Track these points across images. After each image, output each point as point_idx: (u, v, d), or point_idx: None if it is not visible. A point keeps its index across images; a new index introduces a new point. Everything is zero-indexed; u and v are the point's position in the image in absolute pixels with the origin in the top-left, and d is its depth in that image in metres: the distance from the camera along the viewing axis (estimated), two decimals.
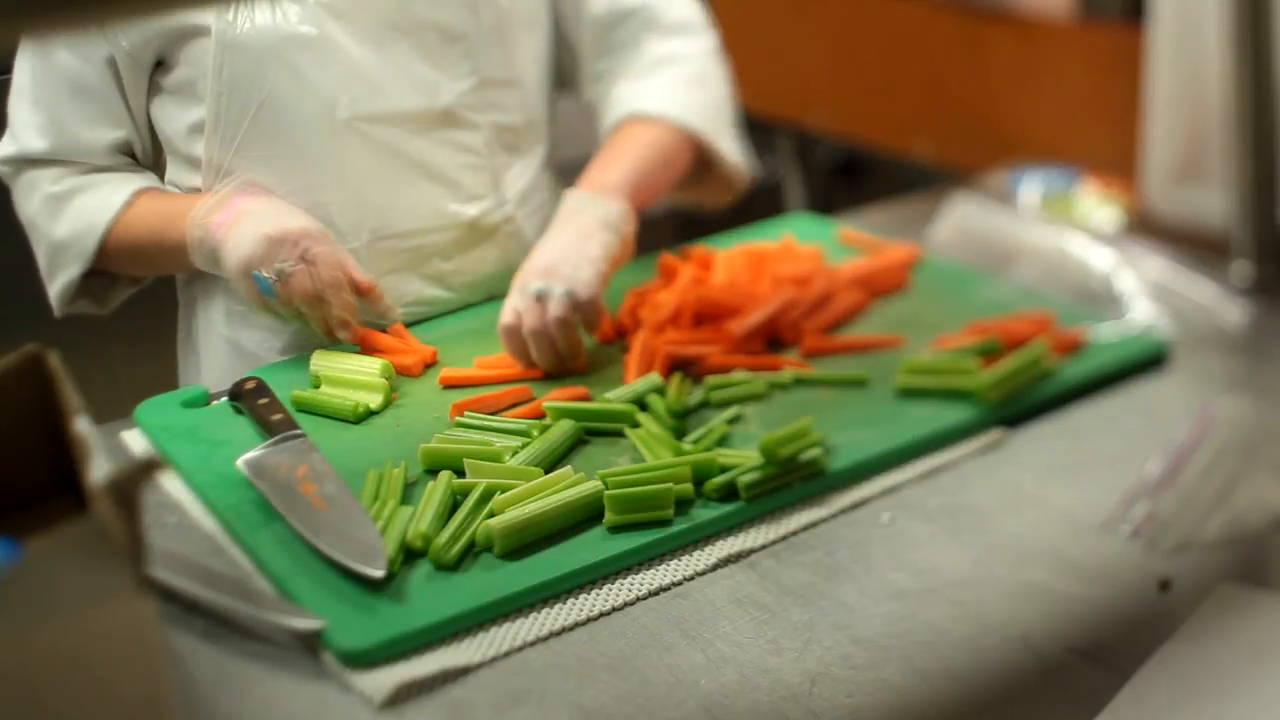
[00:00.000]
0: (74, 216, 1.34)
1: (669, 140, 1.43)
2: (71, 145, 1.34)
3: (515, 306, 1.28)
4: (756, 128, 3.06)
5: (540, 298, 1.27)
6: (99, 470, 0.77)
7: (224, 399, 1.25)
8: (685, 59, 1.49)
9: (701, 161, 1.48)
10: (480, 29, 1.36)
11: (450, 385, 1.27)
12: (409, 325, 1.37)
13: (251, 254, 1.24)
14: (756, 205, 1.48)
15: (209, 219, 1.28)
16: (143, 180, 1.36)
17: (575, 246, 1.30)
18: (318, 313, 1.27)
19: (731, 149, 1.50)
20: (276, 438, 1.16)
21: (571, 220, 1.33)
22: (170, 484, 1.15)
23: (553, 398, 1.23)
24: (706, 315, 1.36)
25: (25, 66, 1.33)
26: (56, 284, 1.37)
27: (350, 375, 1.25)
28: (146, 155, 1.40)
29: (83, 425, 0.83)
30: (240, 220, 1.27)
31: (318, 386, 1.26)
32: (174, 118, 1.34)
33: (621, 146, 1.42)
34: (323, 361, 1.27)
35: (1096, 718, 0.91)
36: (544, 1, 1.45)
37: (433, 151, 1.36)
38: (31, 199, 1.36)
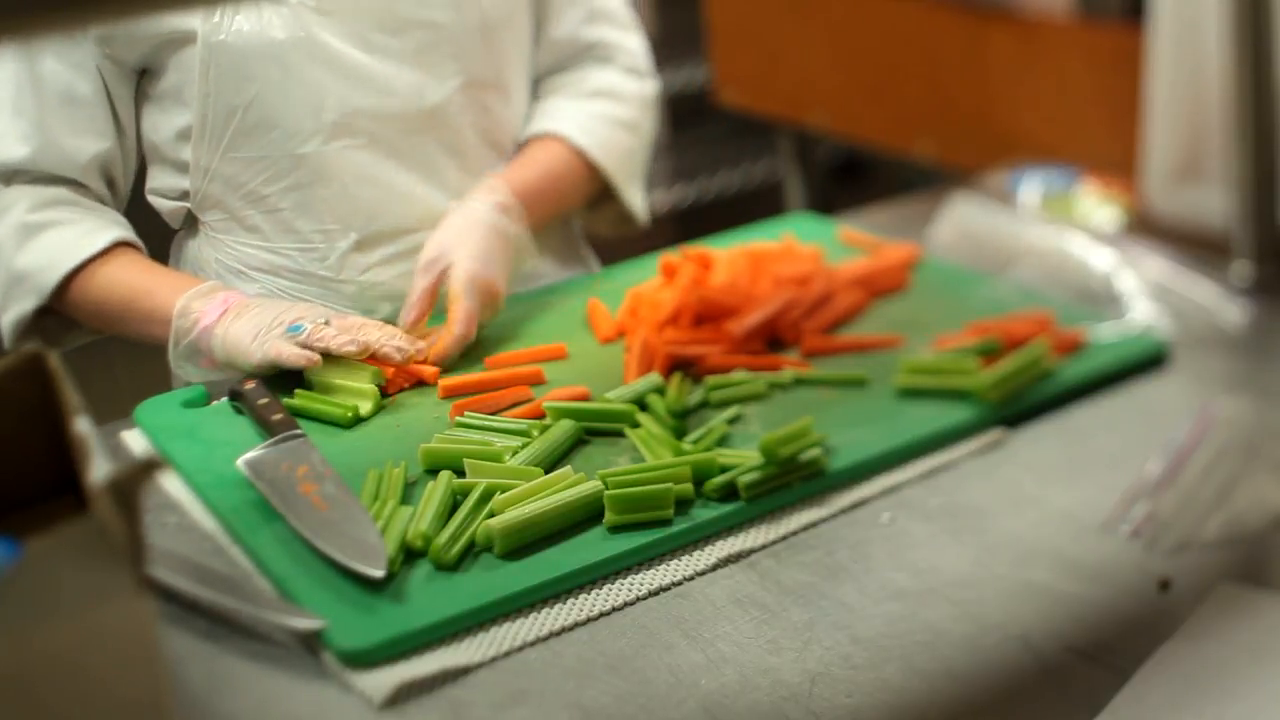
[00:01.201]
0: (42, 249, 1.31)
1: (576, 168, 1.46)
2: (54, 154, 1.32)
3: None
4: (756, 128, 3.07)
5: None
6: (99, 470, 0.77)
7: (224, 399, 1.25)
8: (623, 99, 1.51)
9: (603, 194, 1.52)
10: (465, 30, 1.37)
11: (451, 395, 1.26)
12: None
13: (262, 330, 1.24)
14: (756, 205, 1.49)
15: (193, 305, 1.27)
16: (121, 230, 1.34)
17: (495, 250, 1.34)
18: (365, 340, 1.24)
19: (635, 196, 1.53)
20: (276, 438, 1.16)
21: (479, 222, 1.35)
22: (170, 484, 1.15)
23: (553, 398, 1.23)
24: (706, 315, 1.36)
25: (1, 77, 1.31)
26: (9, 316, 1.33)
27: (341, 381, 1.25)
28: (125, 175, 1.38)
29: (83, 425, 0.83)
30: (240, 312, 1.26)
31: (310, 390, 1.26)
32: (160, 125, 1.35)
33: (532, 159, 1.44)
34: (316, 366, 1.27)
35: (1096, 718, 0.91)
36: (526, 8, 1.45)
37: (420, 151, 1.37)
38: (2, 223, 1.32)
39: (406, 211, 1.37)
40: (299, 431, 1.17)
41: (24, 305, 1.32)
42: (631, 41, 1.54)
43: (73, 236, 1.32)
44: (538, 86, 1.52)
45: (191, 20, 1.28)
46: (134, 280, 1.32)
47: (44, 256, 1.31)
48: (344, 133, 1.33)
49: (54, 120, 1.31)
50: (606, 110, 1.49)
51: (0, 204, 1.33)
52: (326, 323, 1.25)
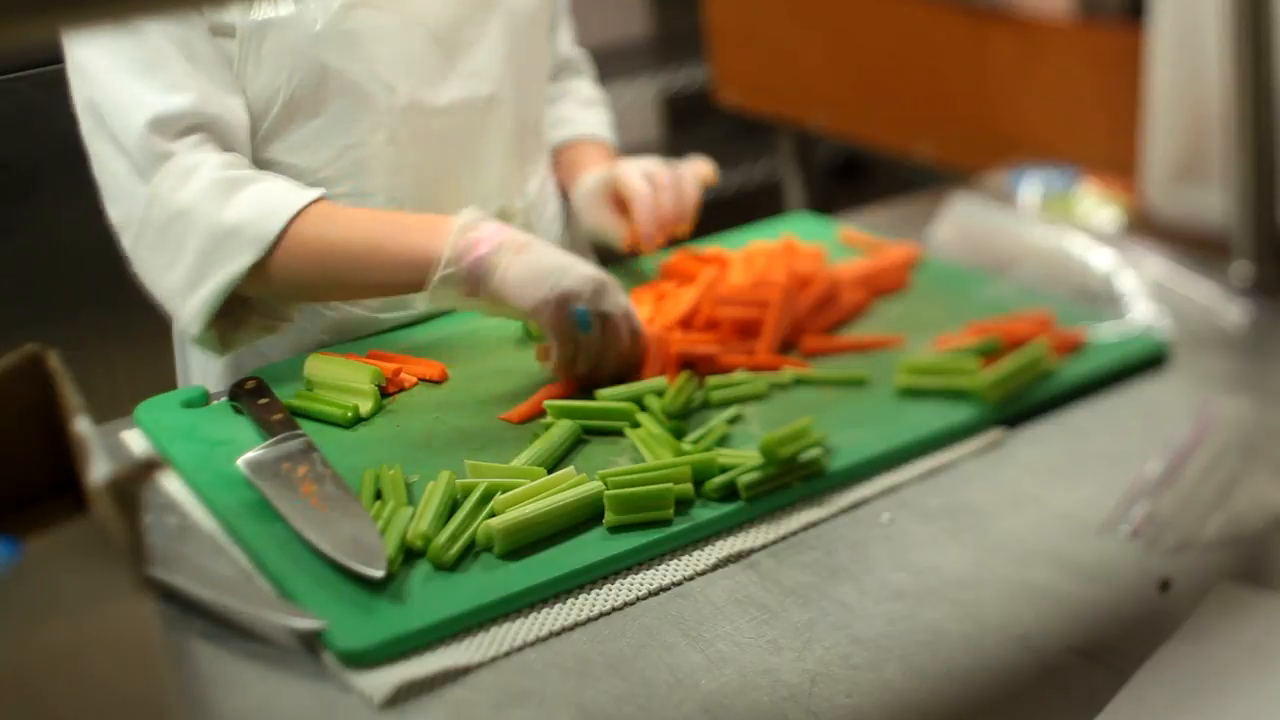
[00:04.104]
0: (252, 200, 1.20)
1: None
2: (216, 102, 1.22)
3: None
4: (756, 128, 3.07)
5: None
6: (99, 470, 0.76)
7: (224, 399, 1.25)
8: (603, 104, 1.64)
9: None
10: (516, 20, 1.38)
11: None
12: (421, 322, 1.39)
13: (577, 288, 1.20)
14: (756, 205, 1.49)
15: (467, 238, 1.20)
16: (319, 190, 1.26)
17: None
18: (601, 358, 1.24)
19: None
20: (276, 438, 1.16)
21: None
22: (170, 484, 1.15)
23: (550, 394, 1.23)
24: (724, 320, 1.35)
25: (114, 48, 1.20)
26: (217, 278, 1.21)
27: (342, 381, 1.25)
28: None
29: (83, 425, 0.83)
30: (527, 248, 1.21)
31: (310, 390, 1.26)
32: None
33: (606, 154, 1.57)
34: (316, 366, 1.27)
35: (1096, 718, 0.91)
36: (548, 10, 1.49)
37: (474, 140, 1.37)
38: (190, 184, 1.20)
39: (458, 201, 1.35)
40: (299, 431, 1.17)
41: (241, 261, 1.20)
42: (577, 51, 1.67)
43: (283, 188, 1.23)
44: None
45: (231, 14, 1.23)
46: (370, 222, 1.24)
47: (258, 206, 1.21)
48: (408, 120, 1.31)
49: (197, 70, 1.22)
50: (603, 115, 1.62)
51: (177, 167, 1.21)
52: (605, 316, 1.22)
